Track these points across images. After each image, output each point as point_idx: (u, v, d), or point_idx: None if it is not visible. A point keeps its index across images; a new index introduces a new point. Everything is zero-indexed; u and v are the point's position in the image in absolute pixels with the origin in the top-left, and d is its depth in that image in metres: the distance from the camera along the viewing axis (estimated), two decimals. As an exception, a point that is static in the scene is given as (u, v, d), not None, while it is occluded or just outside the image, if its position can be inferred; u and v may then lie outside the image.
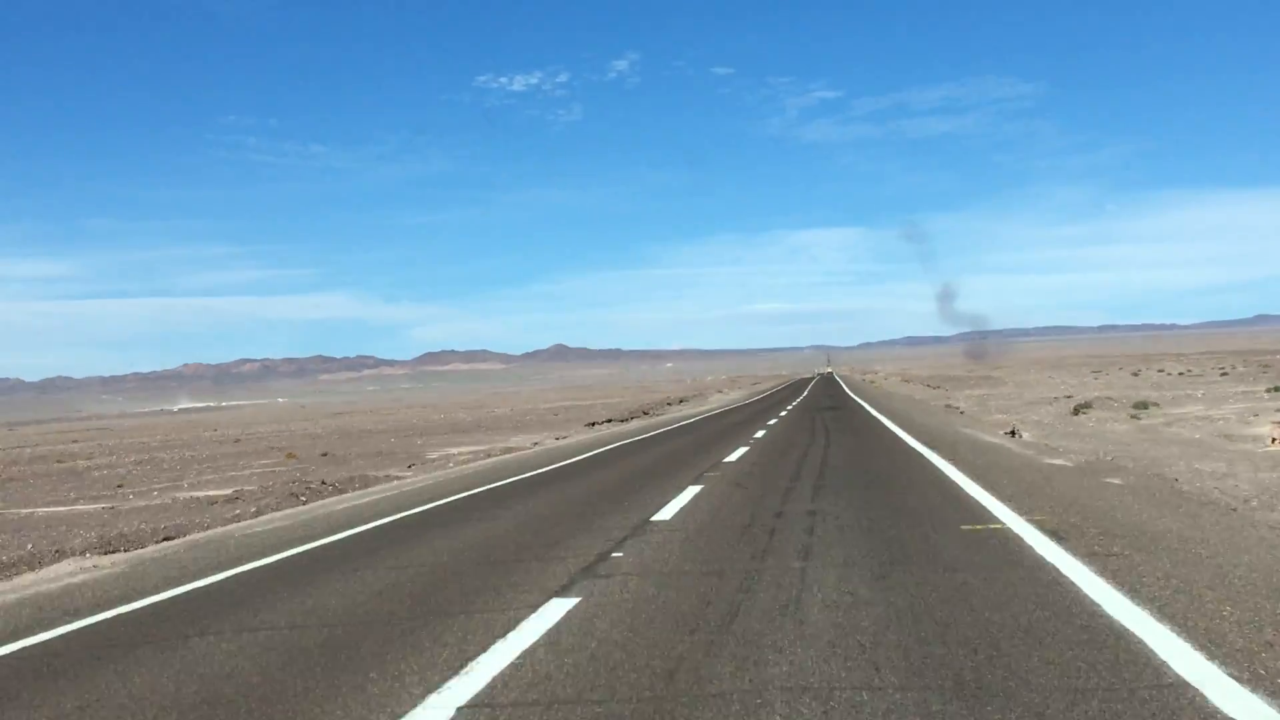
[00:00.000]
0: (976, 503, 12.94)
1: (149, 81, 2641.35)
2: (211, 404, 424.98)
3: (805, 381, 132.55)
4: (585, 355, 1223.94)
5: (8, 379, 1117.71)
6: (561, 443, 34.22)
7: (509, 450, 31.72)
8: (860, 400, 51.48)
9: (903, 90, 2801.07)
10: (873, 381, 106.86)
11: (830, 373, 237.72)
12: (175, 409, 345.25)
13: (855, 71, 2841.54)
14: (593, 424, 46.79)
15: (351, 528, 14.40)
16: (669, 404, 71.94)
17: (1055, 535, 10.14)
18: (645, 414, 54.04)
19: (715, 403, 68.59)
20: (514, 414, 71.89)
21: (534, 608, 8.14)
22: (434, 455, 33.20)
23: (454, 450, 34.82)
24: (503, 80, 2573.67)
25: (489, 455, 30.32)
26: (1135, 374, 73.68)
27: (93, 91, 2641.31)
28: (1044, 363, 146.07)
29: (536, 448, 32.48)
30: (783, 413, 43.73)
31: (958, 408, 39.51)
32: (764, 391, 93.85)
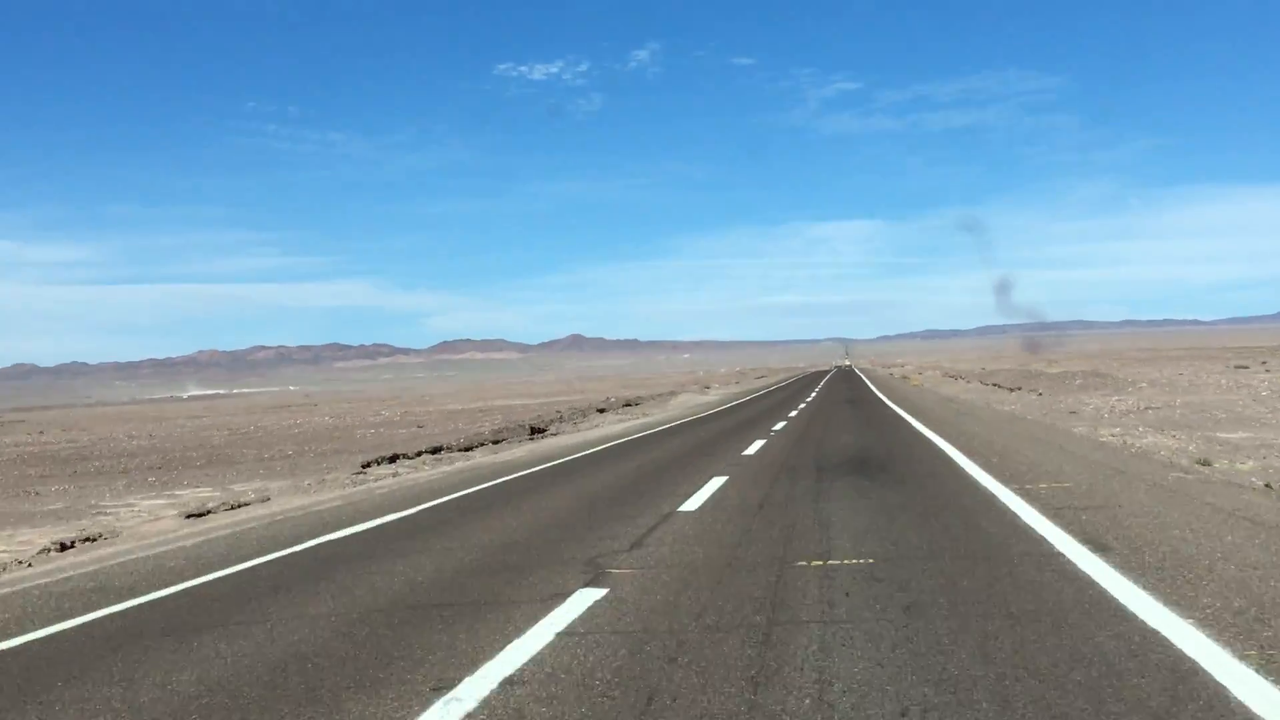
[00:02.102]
0: None
1: (170, 69, 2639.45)
2: (222, 391, 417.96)
3: (817, 378, 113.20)
4: (601, 345, 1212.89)
5: (23, 364, 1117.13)
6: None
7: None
8: (926, 430, 25.96)
9: (924, 83, 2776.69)
10: (908, 379, 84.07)
11: (849, 366, 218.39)
12: (185, 396, 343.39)
13: (877, 63, 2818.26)
14: (366, 465, 25.72)
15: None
16: (602, 409, 51.12)
17: None
18: (533, 433, 34.14)
19: (668, 413, 45.93)
20: (335, 427, 50.64)
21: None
22: None
23: None
24: (523, 69, 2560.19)
25: None
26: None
27: (115, 78, 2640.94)
28: (1126, 356, 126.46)
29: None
30: (747, 451, 22.60)
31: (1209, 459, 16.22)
32: (755, 392, 74.56)
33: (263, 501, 19.16)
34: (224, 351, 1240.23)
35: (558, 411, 46.04)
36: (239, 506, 18.34)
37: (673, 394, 70.06)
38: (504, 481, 19.45)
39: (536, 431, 35.01)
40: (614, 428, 35.49)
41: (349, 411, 77.47)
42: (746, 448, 23.54)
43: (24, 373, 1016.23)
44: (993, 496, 13.15)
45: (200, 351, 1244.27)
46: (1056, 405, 33.54)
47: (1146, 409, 29.11)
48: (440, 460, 26.53)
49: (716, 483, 16.51)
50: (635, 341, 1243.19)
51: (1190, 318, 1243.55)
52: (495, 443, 31.26)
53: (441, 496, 17.40)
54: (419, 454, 27.91)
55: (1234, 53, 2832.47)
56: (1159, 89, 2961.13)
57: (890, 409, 36.78)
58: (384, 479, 22.23)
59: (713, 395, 70.46)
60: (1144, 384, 45.17)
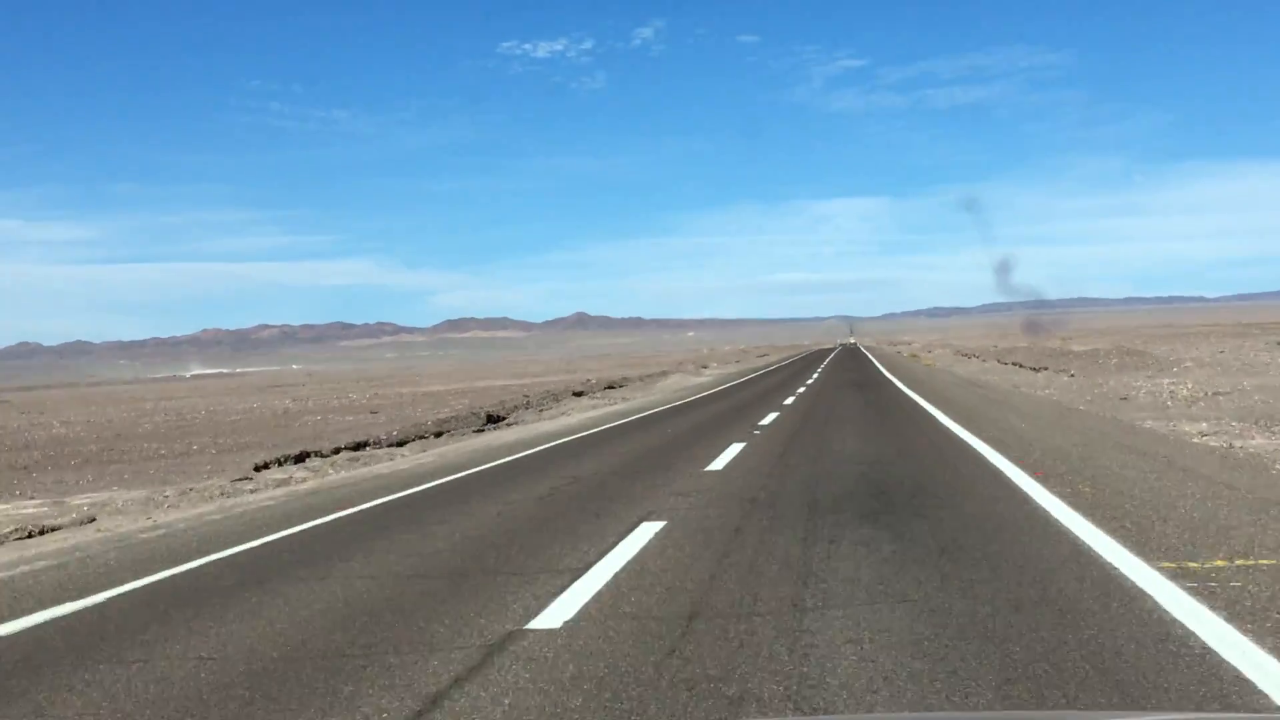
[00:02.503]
0: None
1: (174, 47, 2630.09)
2: (224, 370, 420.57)
3: (820, 356, 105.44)
4: (606, 324, 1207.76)
5: (27, 343, 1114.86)
6: None
7: None
8: (957, 426, 20.52)
9: (929, 59, 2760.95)
10: (918, 357, 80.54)
11: (854, 344, 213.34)
12: (188, 375, 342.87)
13: (881, 40, 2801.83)
14: (262, 466, 21.25)
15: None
16: (579, 393, 44.62)
17: None
18: (488, 422, 29.46)
19: (649, 398, 40.10)
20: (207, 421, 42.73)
21: None
22: None
23: None
24: (527, 47, 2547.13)
25: None
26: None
27: (118, 57, 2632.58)
28: (1144, 334, 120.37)
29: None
30: (712, 466, 16.26)
31: None
32: (753, 372, 68.22)
33: (79, 524, 14.40)
34: (228, 330, 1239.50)
35: (526, 396, 41.09)
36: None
37: (664, 374, 64.15)
38: (364, 510, 13.61)
39: (493, 420, 30.19)
40: (579, 417, 30.47)
41: (323, 394, 72.51)
42: (714, 458, 16.97)
43: (28, 352, 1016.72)
44: (1157, 611, 6.46)
45: (204, 330, 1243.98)
46: (1099, 389, 28.49)
47: (1215, 394, 24.04)
48: (357, 460, 21.61)
49: (636, 541, 9.81)
50: (640, 320, 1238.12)
51: (1195, 294, 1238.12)
52: (437, 435, 26.45)
53: (283, 528, 12.41)
54: (336, 451, 23.04)
55: (1240, 28, 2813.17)
56: (1165, 65, 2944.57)
57: (905, 395, 30.95)
58: (266, 489, 17.43)
59: (707, 376, 64.46)
60: (1188, 363, 39.99)
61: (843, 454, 16.74)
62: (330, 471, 19.65)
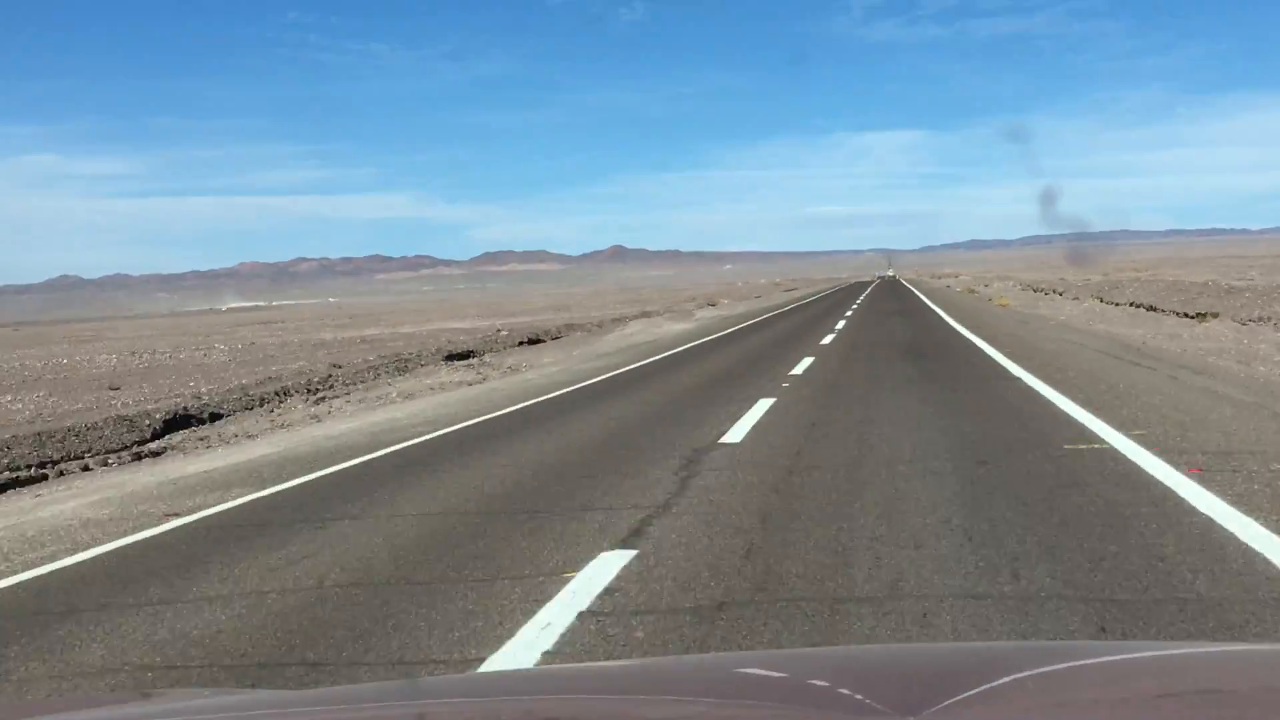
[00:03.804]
0: None
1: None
2: (261, 303, 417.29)
3: (855, 292, 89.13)
4: (643, 256, 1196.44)
5: (68, 276, 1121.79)
6: None
7: None
8: None
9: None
10: (974, 292, 66.65)
11: (893, 276, 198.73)
12: (223, 309, 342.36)
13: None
14: None
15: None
16: (459, 356, 33.43)
17: None
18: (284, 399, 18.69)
19: (542, 372, 23.64)
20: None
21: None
22: None
23: None
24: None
25: None
26: None
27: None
28: (1193, 262, 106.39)
29: None
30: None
31: None
32: (758, 315, 50.00)
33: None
34: (266, 264, 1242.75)
35: (426, 351, 29.44)
36: None
37: (620, 322, 47.19)
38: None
39: (287, 396, 18.75)
40: (384, 414, 17.54)
41: (296, 329, 62.81)
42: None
43: (68, 284, 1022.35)
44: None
45: (242, 264, 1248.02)
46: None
47: None
48: None
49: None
50: (678, 253, 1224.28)
51: (1239, 226, 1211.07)
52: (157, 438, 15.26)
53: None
54: None
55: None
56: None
57: (1039, 393, 13.80)
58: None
59: (691, 322, 46.67)
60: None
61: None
62: None
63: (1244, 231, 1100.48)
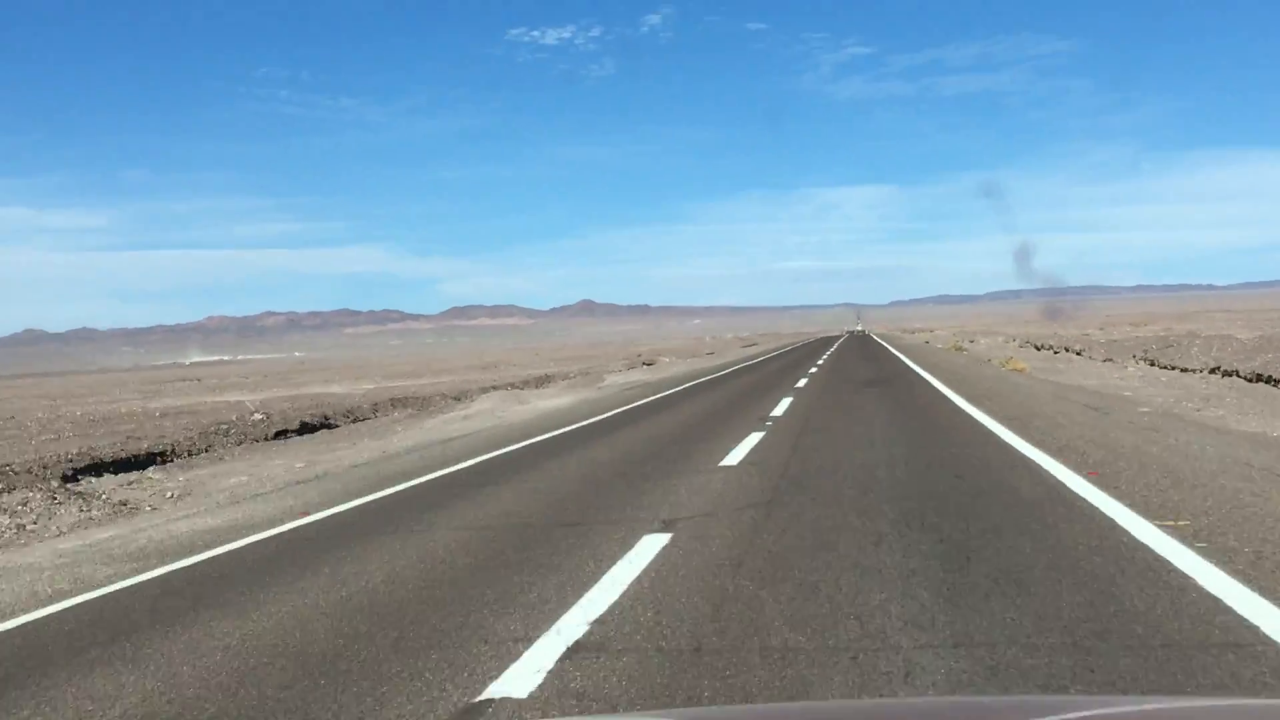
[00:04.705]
0: None
1: (183, 35, 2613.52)
2: (225, 357, 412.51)
3: (821, 348, 77.29)
4: (613, 311, 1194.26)
5: (32, 329, 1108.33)
6: None
7: None
8: None
9: (937, 47, 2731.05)
10: (961, 350, 56.48)
11: (863, 331, 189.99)
12: (187, 362, 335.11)
13: (889, 28, 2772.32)
14: None
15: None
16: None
17: None
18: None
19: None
20: None
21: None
22: None
23: None
24: (535, 34, 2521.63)
25: None
26: None
27: (128, 45, 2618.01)
28: (1190, 315, 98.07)
29: None
30: None
31: None
32: (680, 385, 36.17)
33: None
34: (233, 317, 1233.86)
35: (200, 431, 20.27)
36: None
37: (463, 399, 34.08)
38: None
39: None
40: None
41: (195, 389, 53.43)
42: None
43: (33, 338, 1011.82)
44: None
45: (209, 317, 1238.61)
46: None
47: None
48: None
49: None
50: (647, 307, 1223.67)
51: (1205, 282, 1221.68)
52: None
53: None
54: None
55: (1248, 16, 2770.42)
56: (1172, 52, 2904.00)
57: None
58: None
59: (576, 396, 33.43)
60: None
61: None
62: None
63: (1210, 287, 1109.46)
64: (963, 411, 19.21)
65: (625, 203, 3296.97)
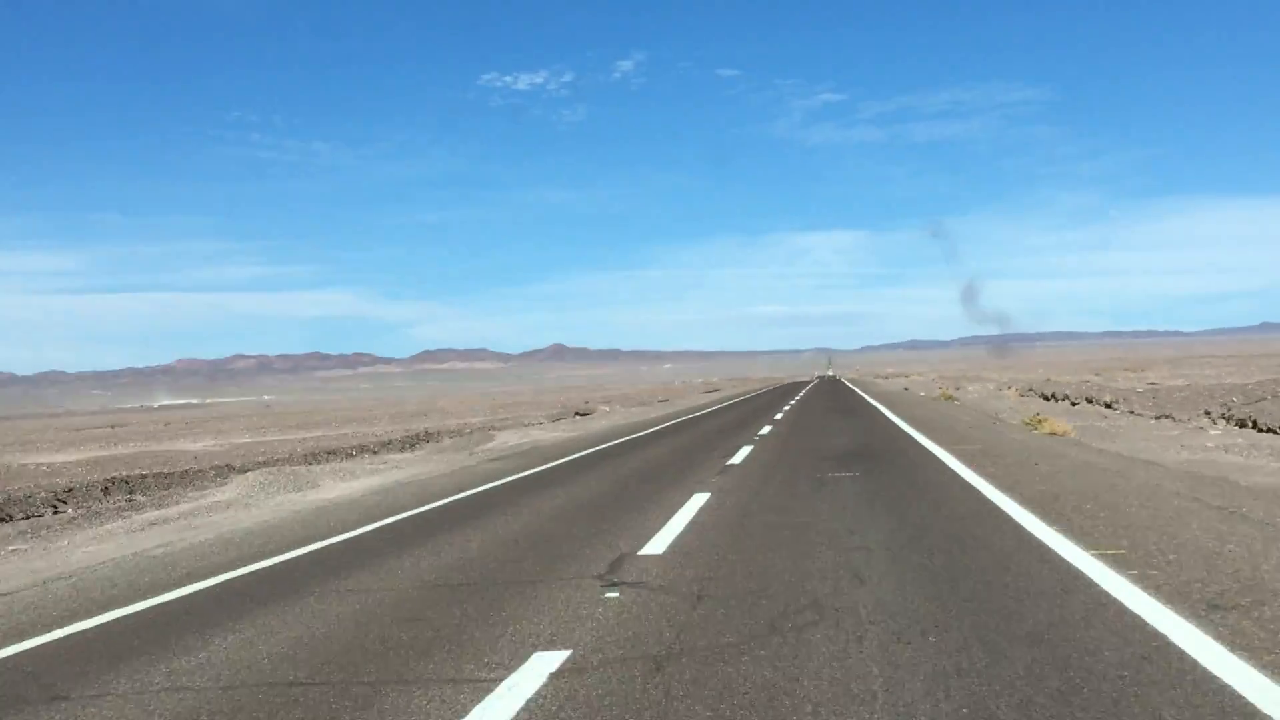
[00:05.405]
0: None
1: (154, 78, 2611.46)
2: (194, 401, 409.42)
3: (788, 394, 73.20)
4: (583, 355, 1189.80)
5: (0, 373, 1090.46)
6: None
7: None
8: None
9: (908, 94, 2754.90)
10: (951, 398, 48.90)
11: (833, 375, 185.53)
12: (155, 406, 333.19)
13: (861, 75, 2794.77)
14: None
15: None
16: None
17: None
18: None
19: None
20: None
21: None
22: None
23: None
24: (507, 79, 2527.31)
25: None
26: None
27: (99, 87, 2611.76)
28: (1178, 361, 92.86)
29: None
30: None
31: None
32: (596, 445, 28.74)
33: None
34: (203, 360, 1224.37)
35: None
36: None
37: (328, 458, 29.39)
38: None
39: None
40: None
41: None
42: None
43: (2, 382, 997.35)
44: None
45: (179, 360, 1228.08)
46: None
47: None
48: None
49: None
50: (617, 351, 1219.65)
51: (1172, 329, 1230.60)
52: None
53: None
54: None
55: (1214, 66, 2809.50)
56: (1140, 102, 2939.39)
57: None
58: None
59: (390, 475, 23.01)
60: None
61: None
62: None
63: (1178, 333, 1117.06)
64: (1076, 571, 8.56)
65: (596, 247, 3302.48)
